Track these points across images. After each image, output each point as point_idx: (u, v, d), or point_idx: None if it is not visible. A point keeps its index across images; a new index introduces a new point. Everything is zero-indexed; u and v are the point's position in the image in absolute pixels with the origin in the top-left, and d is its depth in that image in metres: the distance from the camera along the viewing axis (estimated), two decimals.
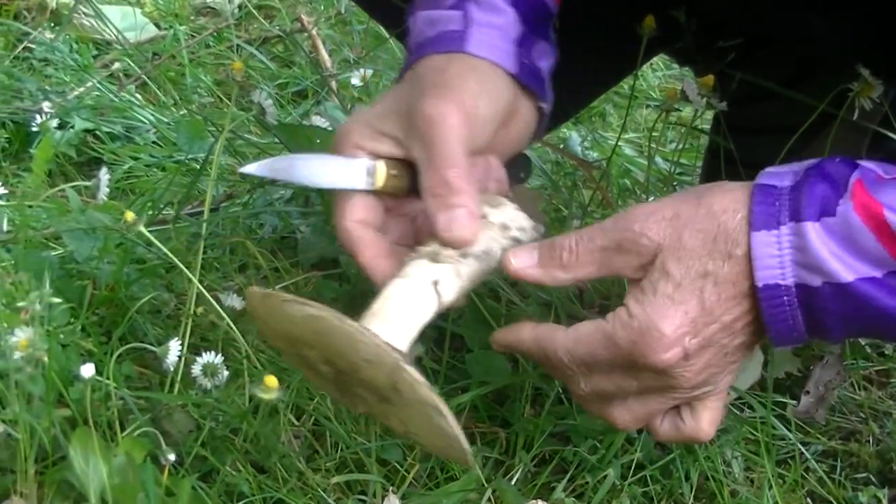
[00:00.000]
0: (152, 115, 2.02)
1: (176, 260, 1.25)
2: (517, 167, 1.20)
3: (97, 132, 1.96)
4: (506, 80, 1.13)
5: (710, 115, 1.67)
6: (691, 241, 1.00)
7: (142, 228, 1.19)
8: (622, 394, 1.05)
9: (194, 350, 1.28)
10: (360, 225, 1.10)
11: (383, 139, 1.09)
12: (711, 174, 1.67)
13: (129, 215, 1.19)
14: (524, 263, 1.05)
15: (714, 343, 1.01)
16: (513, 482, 1.28)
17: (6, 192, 1.22)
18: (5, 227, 1.48)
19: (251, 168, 1.10)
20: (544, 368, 1.14)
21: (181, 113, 2.07)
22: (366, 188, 1.08)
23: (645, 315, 1.00)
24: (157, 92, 2.16)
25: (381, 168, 1.08)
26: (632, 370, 1.02)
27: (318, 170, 1.09)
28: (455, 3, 1.15)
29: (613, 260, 1.03)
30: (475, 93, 1.08)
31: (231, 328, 1.28)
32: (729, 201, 1.01)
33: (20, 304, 1.07)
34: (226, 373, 1.23)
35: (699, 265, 0.99)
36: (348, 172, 1.08)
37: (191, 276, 1.26)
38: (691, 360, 1.01)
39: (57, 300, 1.10)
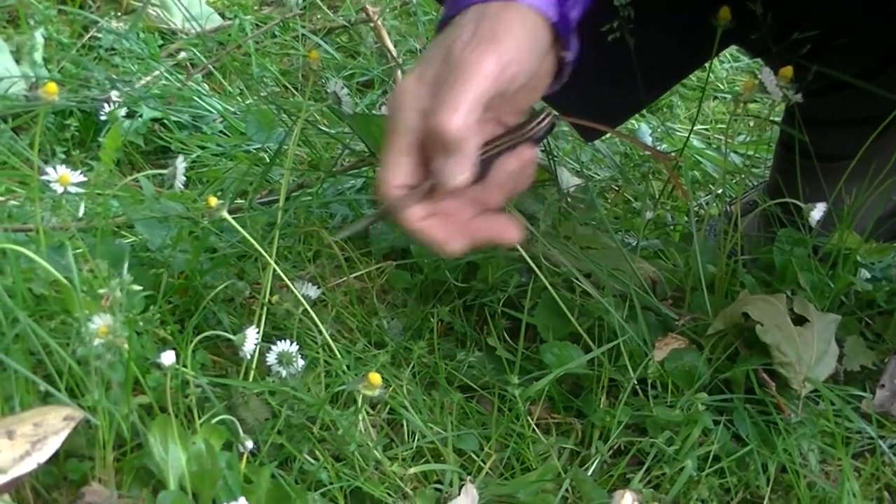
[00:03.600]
0: (219, 104, 2.03)
1: (258, 246, 1.25)
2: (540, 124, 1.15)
3: (165, 121, 1.96)
4: (547, 28, 1.12)
5: (780, 107, 1.66)
6: None
7: (225, 214, 1.20)
8: None
9: (267, 339, 1.29)
10: (401, 190, 1.11)
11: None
12: (784, 167, 1.65)
13: (213, 201, 1.19)
14: None
15: None
16: (589, 473, 1.27)
17: (84, 179, 1.22)
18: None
19: None
20: None
21: (247, 102, 2.08)
22: None
23: None
24: (223, 82, 2.17)
25: None
26: None
27: None
28: None
29: None
30: (522, 44, 1.09)
31: (307, 316, 1.28)
32: None
33: (101, 290, 1.08)
34: (301, 361, 1.23)
35: None
36: None
37: (271, 261, 1.26)
38: None
39: (137, 287, 1.10)
